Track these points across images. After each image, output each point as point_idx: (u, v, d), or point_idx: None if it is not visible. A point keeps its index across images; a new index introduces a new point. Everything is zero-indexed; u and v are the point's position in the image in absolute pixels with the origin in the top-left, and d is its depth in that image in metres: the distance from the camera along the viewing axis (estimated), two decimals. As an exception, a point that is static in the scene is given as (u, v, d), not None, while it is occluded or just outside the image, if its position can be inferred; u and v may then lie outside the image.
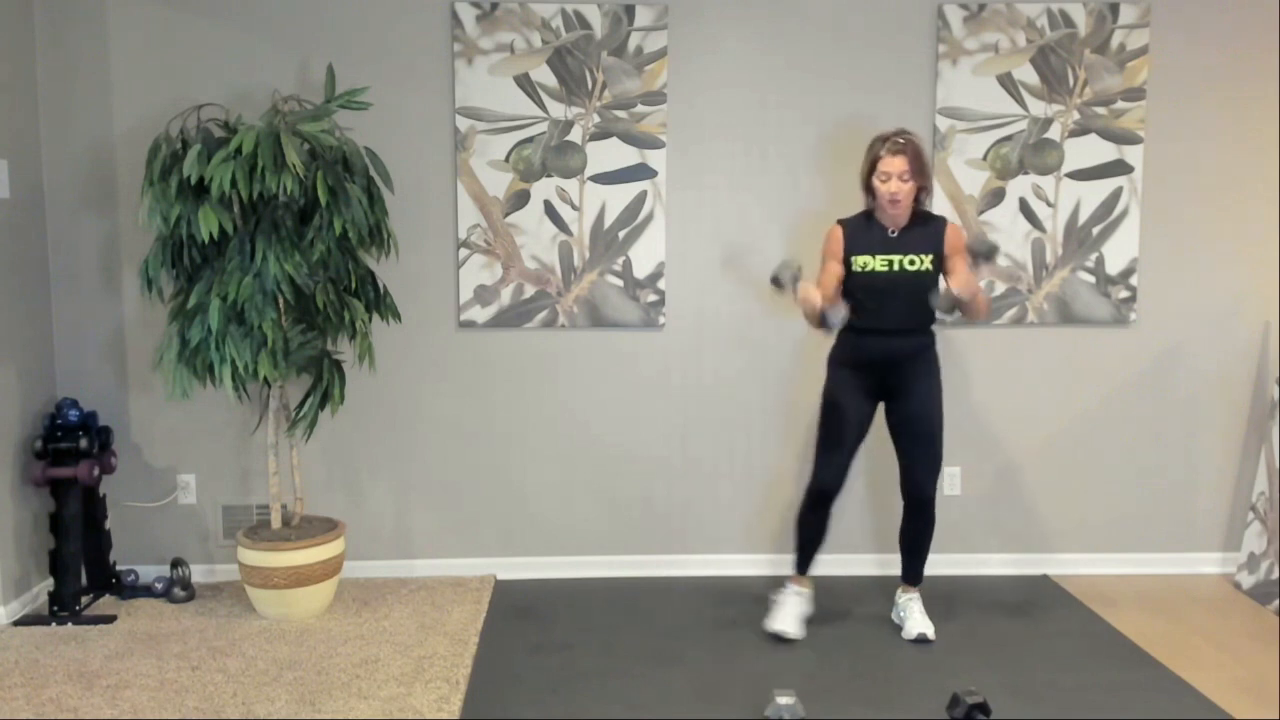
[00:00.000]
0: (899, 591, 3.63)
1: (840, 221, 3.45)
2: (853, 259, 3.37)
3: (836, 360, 3.48)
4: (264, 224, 3.44)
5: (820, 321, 3.27)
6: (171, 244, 3.49)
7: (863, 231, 3.39)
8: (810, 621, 3.64)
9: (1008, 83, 3.96)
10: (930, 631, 3.47)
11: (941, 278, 3.41)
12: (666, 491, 4.13)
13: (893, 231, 3.36)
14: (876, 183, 3.30)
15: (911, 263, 3.33)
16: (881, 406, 3.51)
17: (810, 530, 3.54)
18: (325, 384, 3.62)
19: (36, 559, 3.82)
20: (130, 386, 3.98)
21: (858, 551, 4.14)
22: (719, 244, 4.01)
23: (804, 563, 3.59)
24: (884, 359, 3.39)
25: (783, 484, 4.09)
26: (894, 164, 3.26)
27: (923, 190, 3.34)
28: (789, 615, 3.54)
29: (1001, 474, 4.16)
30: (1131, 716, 2.96)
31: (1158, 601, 3.88)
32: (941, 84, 3.95)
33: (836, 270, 3.40)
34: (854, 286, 3.39)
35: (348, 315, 3.57)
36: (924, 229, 3.37)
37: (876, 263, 3.34)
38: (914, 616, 3.52)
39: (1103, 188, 4.01)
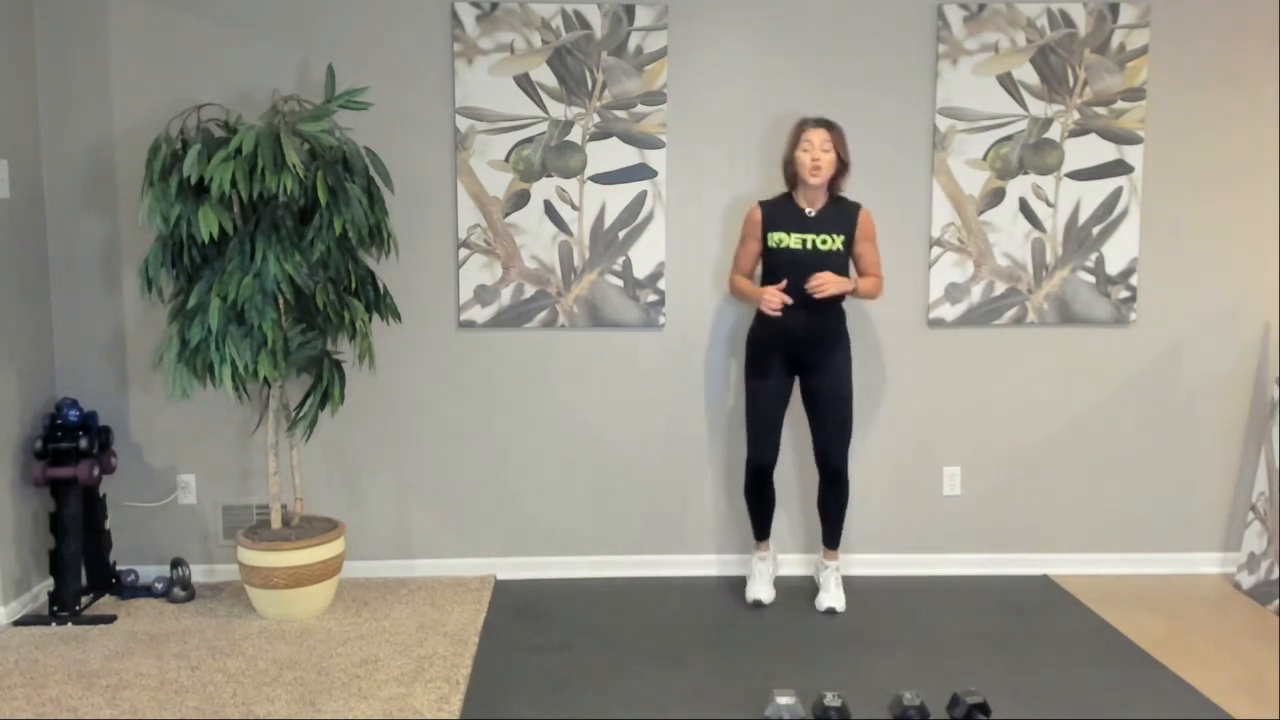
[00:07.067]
0: (821, 556, 3.89)
1: (761, 202, 3.69)
2: (769, 235, 3.62)
3: (754, 338, 3.72)
4: (264, 224, 3.44)
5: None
6: (171, 244, 3.49)
7: (781, 211, 3.64)
8: (810, 622, 3.66)
9: (1008, 83, 3.96)
10: (840, 605, 3.76)
11: (851, 264, 3.68)
12: (666, 491, 4.12)
13: (810, 212, 3.60)
14: (798, 153, 3.55)
15: (824, 242, 3.57)
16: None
17: (758, 503, 3.85)
18: (325, 384, 3.63)
19: (36, 559, 3.82)
20: (130, 386, 3.98)
21: (863, 551, 4.14)
22: (719, 244, 4.01)
23: (761, 530, 3.90)
24: (799, 334, 3.61)
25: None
26: (816, 135, 3.54)
27: (842, 170, 3.59)
28: (761, 583, 3.85)
29: (1001, 474, 4.16)
30: (1131, 716, 2.97)
31: (1158, 601, 3.88)
32: (941, 84, 3.95)
33: (755, 248, 3.68)
34: (771, 263, 3.64)
35: (348, 315, 3.57)
36: (839, 212, 3.62)
37: (792, 240, 3.58)
38: (829, 589, 3.81)
39: (1103, 188, 4.01)
